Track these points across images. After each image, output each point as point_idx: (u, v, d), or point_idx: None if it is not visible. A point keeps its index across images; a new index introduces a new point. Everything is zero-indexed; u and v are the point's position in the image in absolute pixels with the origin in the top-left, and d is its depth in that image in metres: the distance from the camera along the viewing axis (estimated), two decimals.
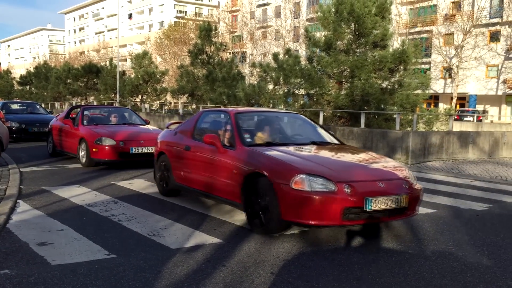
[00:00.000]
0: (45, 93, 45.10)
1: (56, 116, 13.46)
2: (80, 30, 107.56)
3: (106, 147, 10.24)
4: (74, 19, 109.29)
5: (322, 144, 6.51)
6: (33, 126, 16.90)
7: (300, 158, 5.54)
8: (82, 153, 10.69)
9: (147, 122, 12.56)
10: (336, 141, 6.78)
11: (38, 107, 19.85)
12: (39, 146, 15.10)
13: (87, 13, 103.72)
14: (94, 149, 10.29)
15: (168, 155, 7.34)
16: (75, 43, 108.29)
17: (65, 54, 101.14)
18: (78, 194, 7.51)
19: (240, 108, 7.69)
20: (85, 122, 11.37)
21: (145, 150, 10.38)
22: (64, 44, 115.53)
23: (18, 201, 6.88)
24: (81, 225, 5.69)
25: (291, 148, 5.97)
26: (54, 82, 42.60)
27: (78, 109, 12.21)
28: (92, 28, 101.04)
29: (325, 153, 6.07)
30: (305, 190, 4.94)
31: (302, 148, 6.16)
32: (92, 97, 40.13)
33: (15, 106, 19.55)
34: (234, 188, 5.74)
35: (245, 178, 5.56)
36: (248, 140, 6.16)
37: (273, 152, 5.66)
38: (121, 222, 5.87)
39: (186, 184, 6.91)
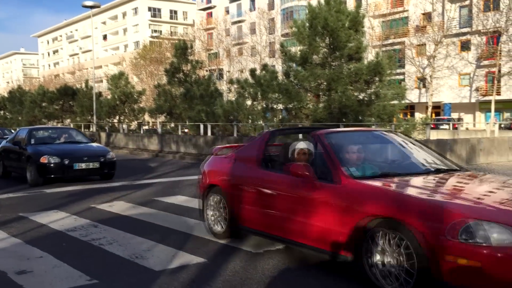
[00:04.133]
0: (19, 118, 44.42)
1: (214, 153, 6.50)
2: (54, 53, 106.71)
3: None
4: (48, 42, 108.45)
5: None
6: (79, 161, 11.70)
7: None
8: (378, 257, 4.13)
9: None
10: None
11: (74, 133, 14.10)
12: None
13: (60, 36, 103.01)
14: (460, 261, 3.52)
15: None
16: (49, 66, 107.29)
17: (39, 78, 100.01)
18: (57, 219, 7.33)
19: None
20: (357, 173, 4.65)
21: None
22: (38, 68, 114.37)
23: None
24: (61, 251, 5.54)
25: None
26: (29, 106, 42.00)
27: (290, 138, 6.36)
28: (66, 51, 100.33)
29: None
30: None
31: None
32: (69, 120, 39.67)
33: (44, 133, 13.74)
34: None
35: None
36: None
37: None
38: (102, 246, 5.74)
39: None
